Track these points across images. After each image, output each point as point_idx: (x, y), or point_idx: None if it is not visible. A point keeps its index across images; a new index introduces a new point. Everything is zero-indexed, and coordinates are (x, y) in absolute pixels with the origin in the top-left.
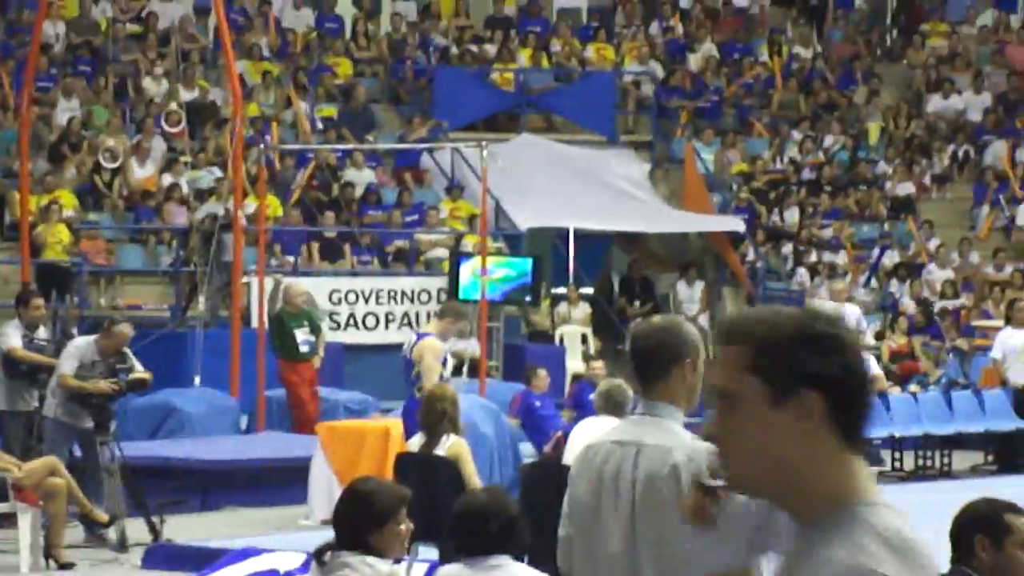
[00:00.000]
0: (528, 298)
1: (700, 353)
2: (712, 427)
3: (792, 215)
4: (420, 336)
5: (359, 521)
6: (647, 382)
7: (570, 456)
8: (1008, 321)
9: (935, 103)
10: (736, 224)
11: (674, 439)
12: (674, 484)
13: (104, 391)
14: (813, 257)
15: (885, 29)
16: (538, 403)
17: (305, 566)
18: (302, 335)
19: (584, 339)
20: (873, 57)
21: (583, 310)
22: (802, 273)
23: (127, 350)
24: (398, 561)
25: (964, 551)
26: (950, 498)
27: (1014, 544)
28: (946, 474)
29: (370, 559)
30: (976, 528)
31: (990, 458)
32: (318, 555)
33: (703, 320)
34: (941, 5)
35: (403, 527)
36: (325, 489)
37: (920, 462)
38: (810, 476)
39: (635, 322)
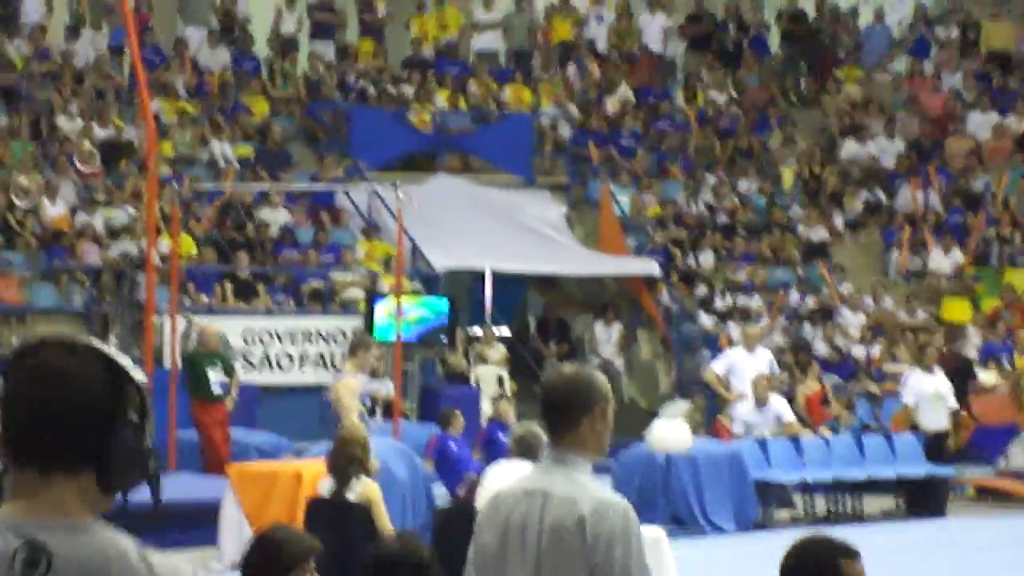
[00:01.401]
0: (443, 339)
1: (609, 402)
2: None
3: (707, 258)
4: (337, 376)
5: (266, 570)
6: (557, 431)
7: (482, 500)
8: (919, 365)
9: (849, 149)
10: (651, 267)
11: (581, 490)
12: (580, 536)
13: None
14: (727, 301)
15: (800, 74)
16: (454, 445)
17: None
18: (215, 376)
19: (500, 381)
20: (788, 102)
21: (499, 351)
22: (708, 317)
23: None
24: None
25: None
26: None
27: None
28: (858, 518)
29: None
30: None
31: (901, 502)
32: None
33: (619, 363)
34: (855, 51)
35: None
36: (236, 531)
37: (832, 506)
38: None
39: (545, 371)
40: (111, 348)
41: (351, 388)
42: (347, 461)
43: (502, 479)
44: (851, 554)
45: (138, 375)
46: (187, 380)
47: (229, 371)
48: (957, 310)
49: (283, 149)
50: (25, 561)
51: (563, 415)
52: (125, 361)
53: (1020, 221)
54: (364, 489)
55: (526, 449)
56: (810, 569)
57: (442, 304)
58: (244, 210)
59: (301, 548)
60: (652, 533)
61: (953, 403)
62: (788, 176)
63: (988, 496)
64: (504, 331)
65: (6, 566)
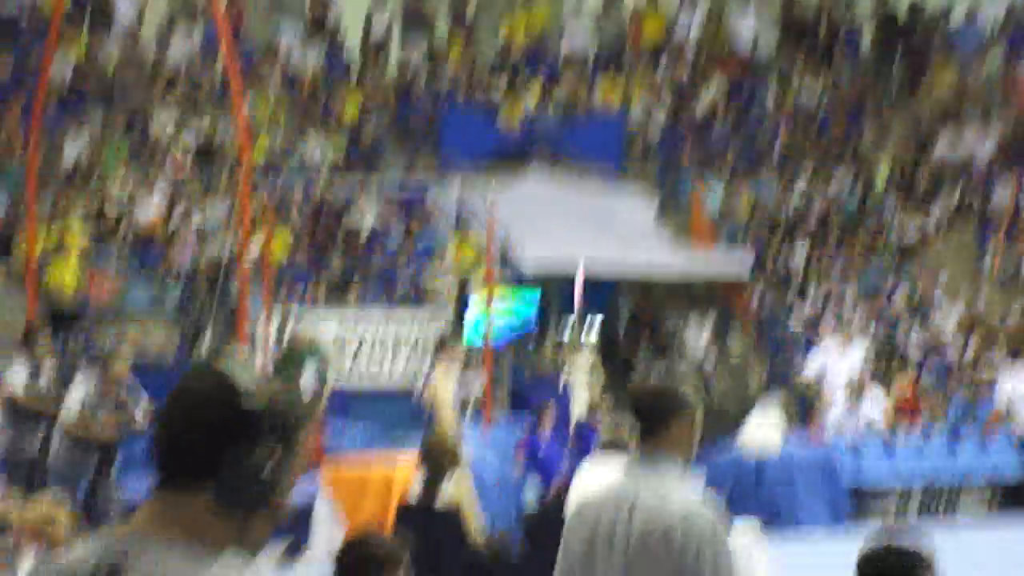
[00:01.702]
0: (535, 337)
1: (698, 408)
2: None
3: (799, 257)
4: (431, 374)
5: (360, 570)
6: (646, 435)
7: (571, 502)
8: (1013, 365)
9: (942, 146)
10: (743, 265)
11: (669, 498)
12: (668, 544)
13: (104, 438)
14: (819, 299)
15: (893, 72)
16: (544, 445)
17: None
18: (308, 376)
19: (590, 378)
20: (881, 100)
21: (590, 350)
22: (800, 316)
23: (136, 384)
24: None
25: None
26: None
27: None
28: (952, 519)
29: None
30: None
31: (995, 503)
32: None
33: (710, 363)
34: (949, 48)
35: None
36: (327, 530)
37: (926, 507)
38: None
39: (635, 376)
40: (247, 375)
41: (446, 384)
42: (436, 465)
43: (592, 481)
44: (929, 565)
45: (258, 403)
46: (280, 380)
47: (322, 375)
48: None
49: (374, 149)
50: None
51: (653, 419)
52: (250, 388)
53: None
54: (454, 491)
55: (615, 446)
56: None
57: (531, 306)
58: (336, 210)
59: (394, 550)
60: (747, 526)
61: None
62: (881, 174)
63: None
64: (596, 329)
65: None
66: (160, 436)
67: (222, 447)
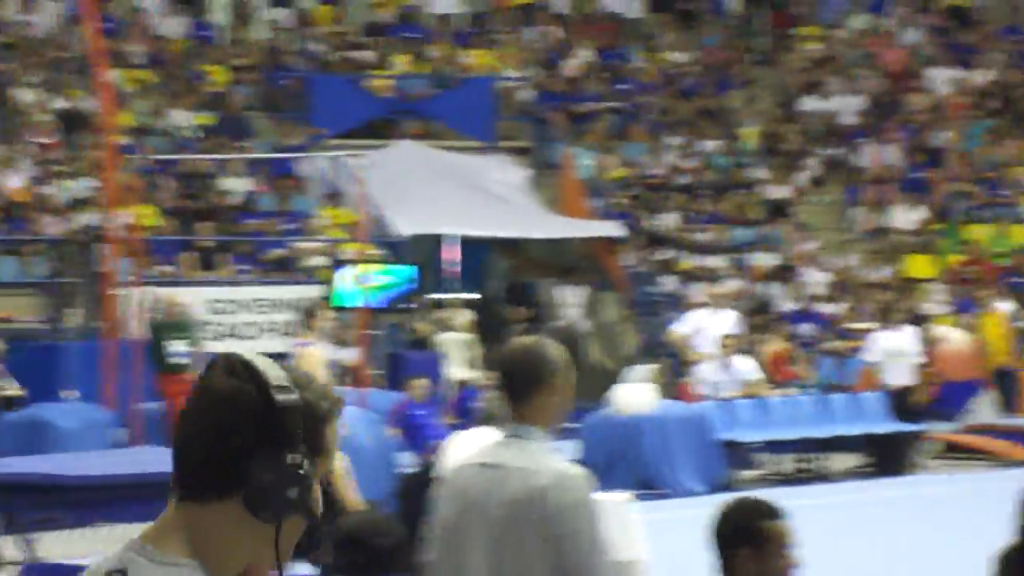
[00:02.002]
0: (410, 305)
1: (566, 374)
2: None
3: (670, 220)
4: (299, 346)
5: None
6: (513, 403)
7: (443, 467)
8: (883, 323)
9: (809, 106)
10: (615, 229)
11: (539, 463)
12: (539, 508)
13: None
14: (691, 261)
15: (759, 34)
16: (419, 412)
17: None
18: (179, 347)
19: (466, 346)
20: (748, 62)
21: (465, 317)
22: (672, 278)
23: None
24: None
25: (727, 563)
26: (828, 500)
27: (776, 553)
28: (824, 477)
29: None
30: (738, 541)
31: (867, 460)
32: None
33: (584, 325)
34: (814, 9)
35: None
36: None
37: (798, 465)
38: None
39: (503, 343)
40: (274, 369)
41: (316, 356)
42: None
43: (465, 447)
44: (774, 514)
45: (291, 398)
46: (151, 352)
47: (193, 341)
48: (919, 266)
49: (243, 117)
50: None
51: (519, 387)
52: (282, 383)
53: (981, 176)
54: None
55: (489, 417)
56: (740, 534)
57: (407, 270)
58: (204, 179)
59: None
60: (617, 497)
61: (917, 359)
62: (750, 135)
63: (954, 451)
64: (471, 295)
65: None
66: (183, 442)
67: (255, 450)
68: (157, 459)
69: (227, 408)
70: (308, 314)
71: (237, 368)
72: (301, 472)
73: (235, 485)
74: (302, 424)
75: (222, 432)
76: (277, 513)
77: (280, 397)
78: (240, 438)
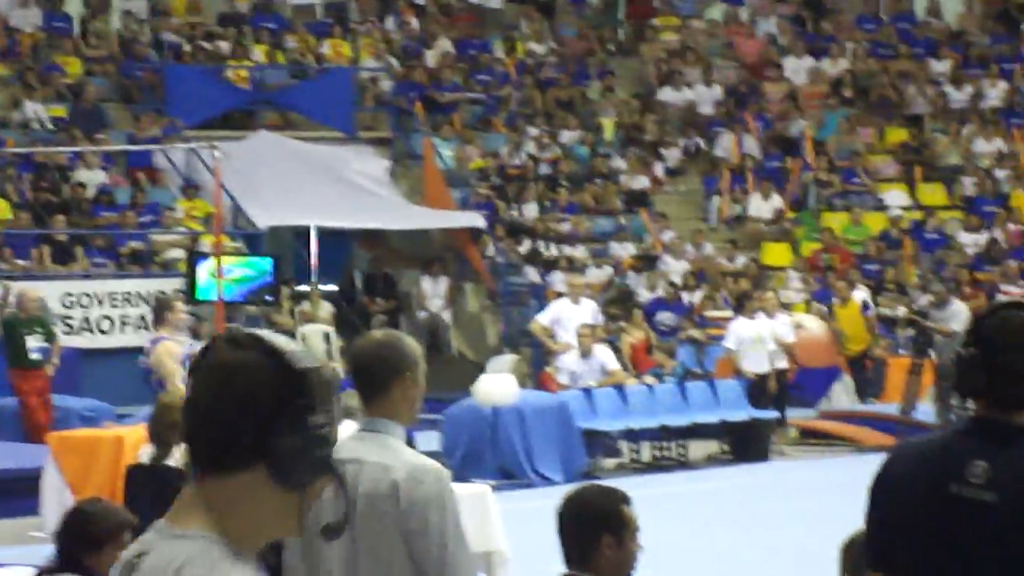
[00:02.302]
0: (269, 298)
1: (420, 367)
2: None
3: (531, 210)
4: (154, 341)
5: (78, 543)
6: (368, 398)
7: None
8: (739, 311)
9: (667, 96)
10: (476, 220)
11: (395, 457)
12: (394, 502)
13: None
14: (552, 252)
15: (617, 24)
16: None
17: None
18: (34, 342)
19: (327, 338)
20: (606, 52)
21: (326, 309)
22: (532, 268)
23: None
24: None
25: (587, 552)
26: (687, 488)
27: (631, 538)
28: (683, 464)
29: None
30: (601, 527)
31: (725, 447)
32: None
33: (446, 316)
34: (672, 0)
35: (121, 553)
36: (58, 501)
37: (657, 453)
38: None
39: (358, 337)
40: (280, 338)
41: (171, 351)
42: (167, 427)
43: None
44: (627, 500)
45: (307, 362)
46: (5, 347)
47: (49, 336)
48: (777, 255)
49: (98, 109)
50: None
51: (373, 381)
52: (293, 349)
53: (836, 165)
54: (184, 454)
55: (349, 413)
56: (603, 519)
57: (266, 262)
58: (59, 172)
59: (114, 522)
60: (476, 488)
61: (774, 347)
62: (609, 126)
63: (811, 438)
64: (330, 287)
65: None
66: (200, 419)
67: (277, 417)
68: (11, 455)
69: (244, 379)
70: (160, 310)
71: (242, 340)
72: (325, 434)
73: (258, 454)
74: (321, 388)
75: (243, 403)
76: (303, 478)
77: (299, 362)
78: (262, 407)
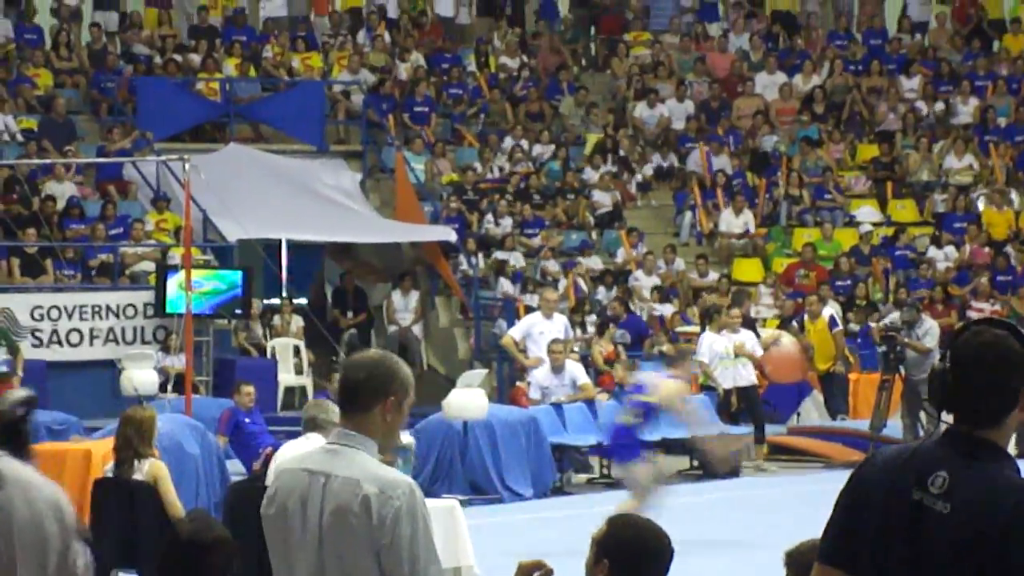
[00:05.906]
0: (238, 311)
1: (408, 396)
2: None
3: (503, 225)
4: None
5: None
6: (349, 412)
7: (270, 476)
8: (706, 327)
9: (639, 112)
10: (447, 234)
11: (365, 471)
12: (365, 517)
13: None
14: (524, 266)
15: (589, 39)
16: (247, 419)
17: None
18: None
19: (297, 351)
20: (579, 67)
21: (296, 322)
22: (504, 282)
23: None
24: None
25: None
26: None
27: None
28: None
29: None
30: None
31: (695, 463)
32: None
33: (417, 330)
34: (644, 15)
35: None
36: None
37: None
38: None
39: (350, 349)
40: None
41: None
42: (131, 440)
43: (294, 455)
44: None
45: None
46: None
47: (13, 349)
48: (748, 270)
49: (68, 121)
50: None
51: (358, 397)
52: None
53: (807, 181)
54: (150, 468)
55: (315, 425)
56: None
57: (236, 275)
58: (29, 184)
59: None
60: (445, 503)
61: (744, 362)
62: (581, 140)
63: (781, 454)
64: (301, 301)
65: None
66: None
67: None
68: None
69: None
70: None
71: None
72: None
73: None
74: None
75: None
76: None
77: None
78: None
